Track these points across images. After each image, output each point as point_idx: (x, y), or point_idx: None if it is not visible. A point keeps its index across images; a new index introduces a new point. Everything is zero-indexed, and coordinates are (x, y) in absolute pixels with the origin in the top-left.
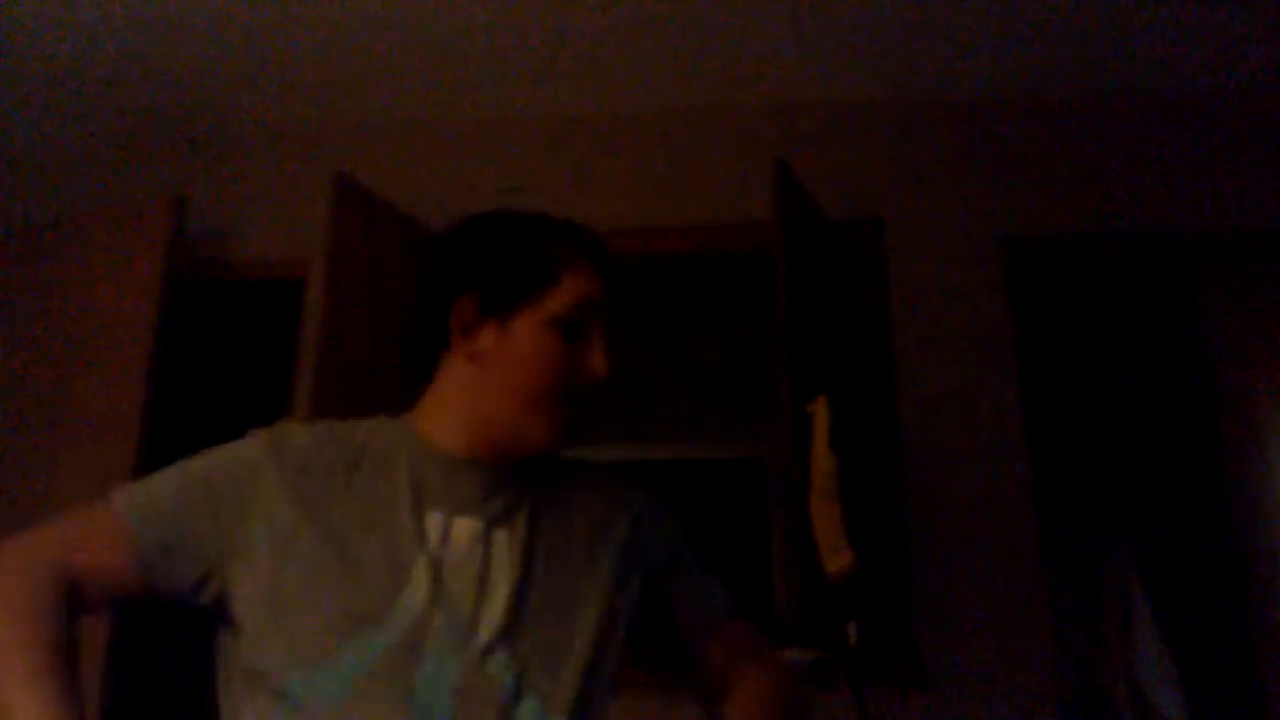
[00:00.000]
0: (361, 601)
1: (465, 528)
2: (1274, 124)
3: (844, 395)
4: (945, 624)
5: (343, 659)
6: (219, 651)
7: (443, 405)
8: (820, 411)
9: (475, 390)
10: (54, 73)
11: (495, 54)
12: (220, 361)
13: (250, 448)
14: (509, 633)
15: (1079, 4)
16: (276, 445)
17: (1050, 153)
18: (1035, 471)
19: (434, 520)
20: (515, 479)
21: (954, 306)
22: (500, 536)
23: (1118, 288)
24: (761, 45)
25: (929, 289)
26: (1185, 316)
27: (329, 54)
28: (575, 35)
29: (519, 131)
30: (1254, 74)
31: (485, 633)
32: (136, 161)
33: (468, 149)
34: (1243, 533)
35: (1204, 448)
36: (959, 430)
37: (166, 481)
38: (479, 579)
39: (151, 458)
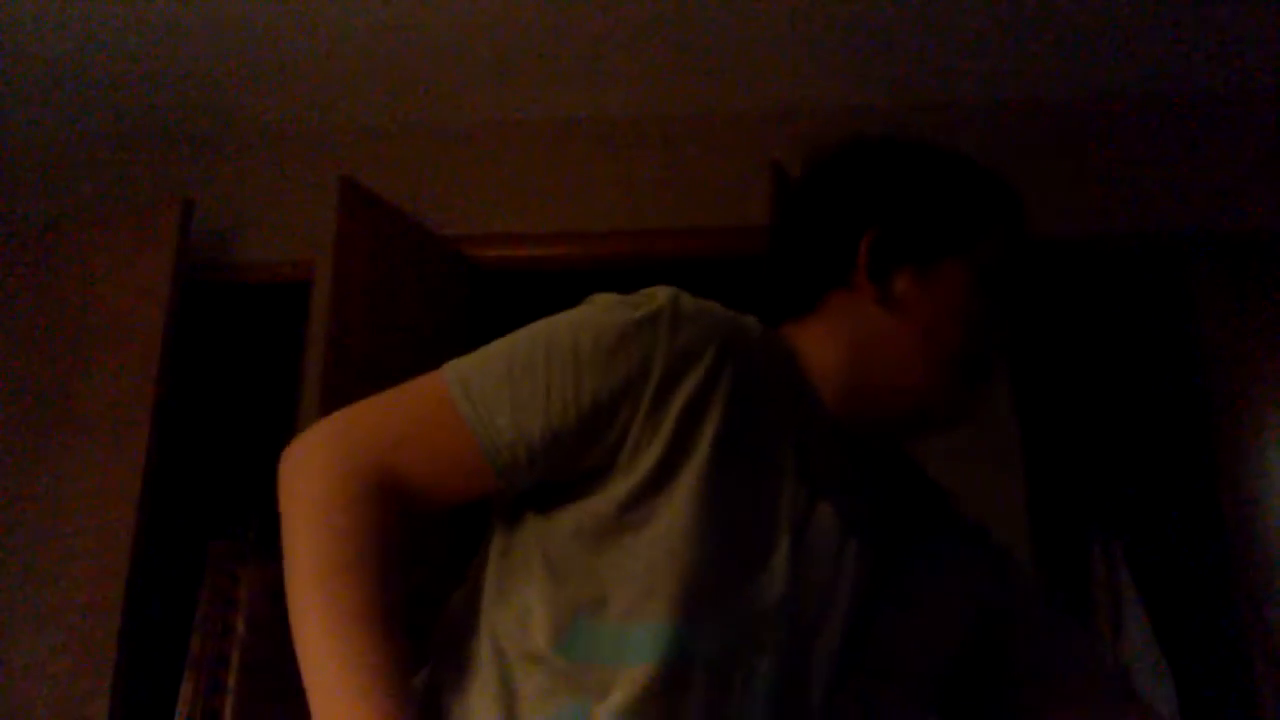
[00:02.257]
0: (725, 564)
1: (828, 517)
2: (1270, 124)
3: None
4: None
5: (684, 621)
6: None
7: (830, 345)
8: None
9: (883, 341)
10: (57, 74)
11: (496, 58)
12: (226, 363)
13: (702, 334)
14: (840, 671)
15: (1074, 6)
16: (728, 344)
17: (1045, 154)
18: (1027, 469)
19: (798, 495)
20: (885, 472)
21: None
22: (851, 548)
23: (1113, 288)
24: (759, 49)
25: None
26: (1180, 316)
27: (331, 57)
28: (575, 39)
29: (519, 134)
30: (1249, 75)
31: (819, 659)
32: (140, 163)
33: (469, 151)
34: (1235, 531)
35: (1197, 446)
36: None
37: (540, 377)
38: (828, 586)
39: (160, 459)
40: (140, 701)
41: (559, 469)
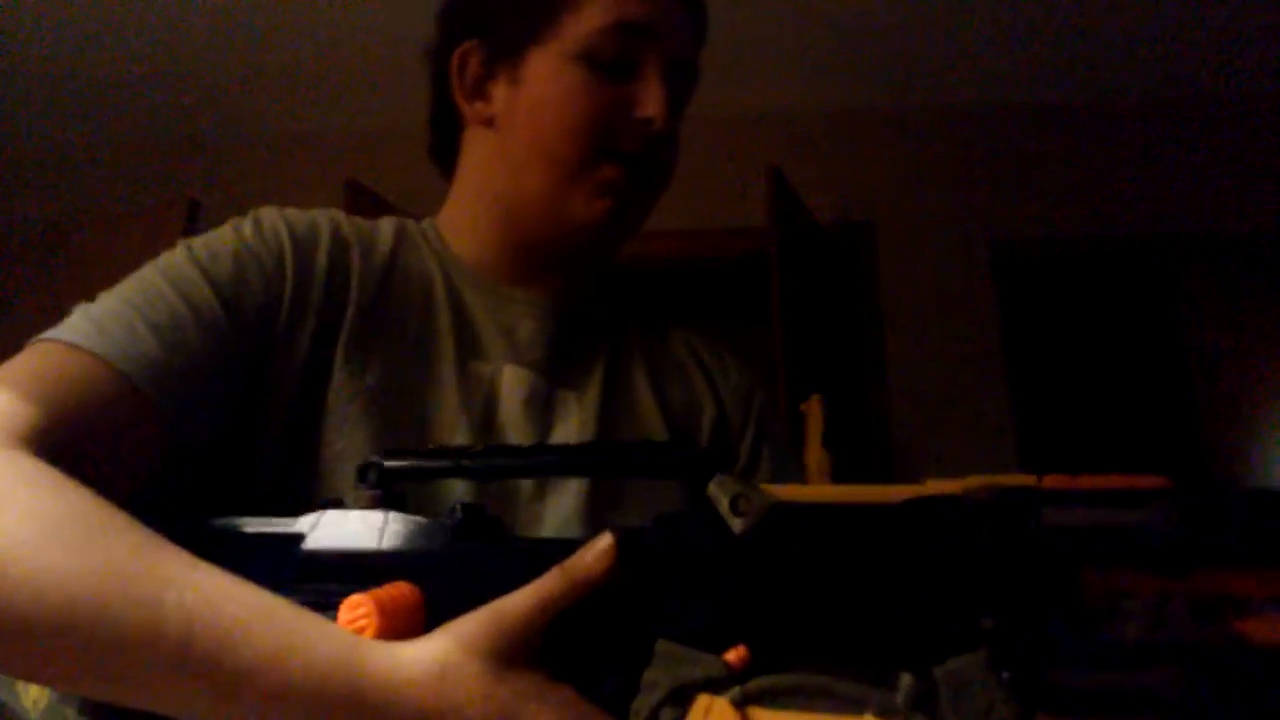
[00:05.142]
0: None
1: (517, 380)
2: (1263, 128)
3: (838, 395)
4: None
5: None
6: None
7: (466, 198)
8: (814, 410)
9: (496, 165)
10: (62, 76)
11: None
12: None
13: (269, 246)
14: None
15: (1072, 10)
16: (300, 246)
17: (1039, 157)
18: (1022, 468)
19: (479, 372)
20: (582, 318)
21: (944, 308)
22: (567, 401)
23: (1105, 289)
24: (758, 51)
25: (920, 291)
26: (1173, 317)
27: (336, 59)
28: None
29: None
30: (1243, 79)
31: (554, 520)
32: (145, 165)
33: None
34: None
35: (1190, 446)
36: (950, 428)
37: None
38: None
39: None
40: None
41: None
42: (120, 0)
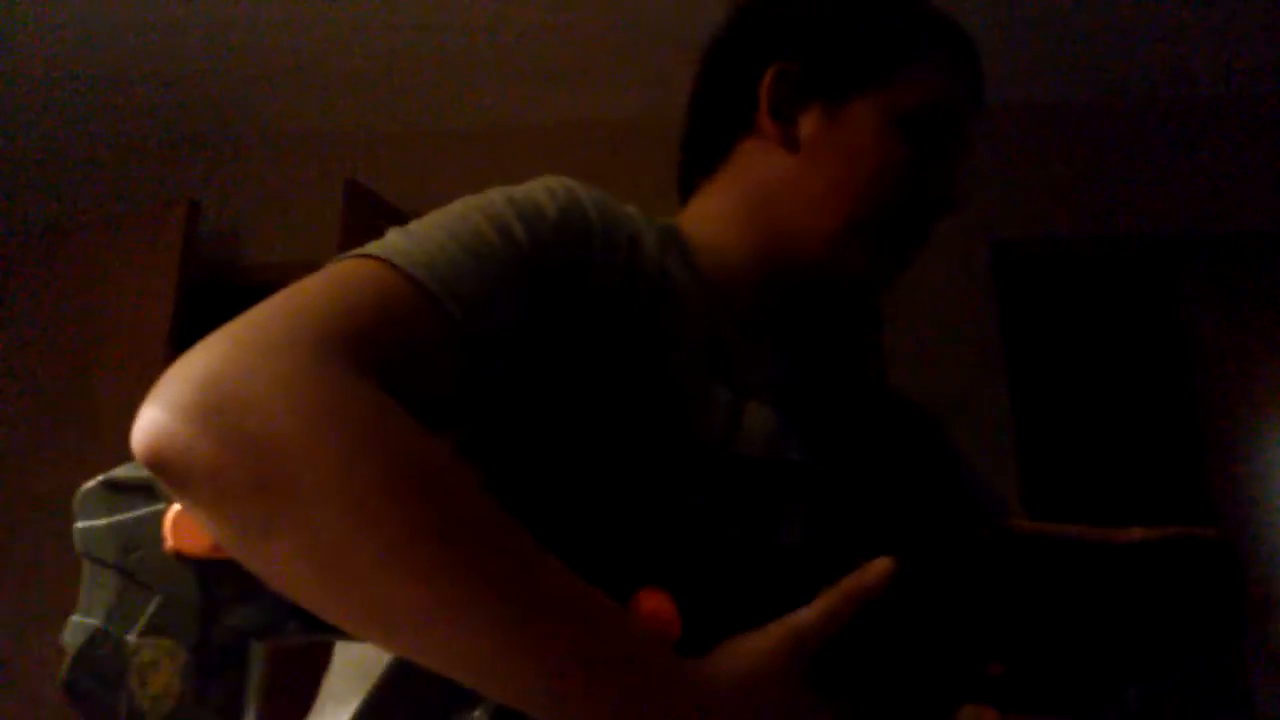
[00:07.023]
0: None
1: (760, 417)
2: (1264, 127)
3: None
4: None
5: None
6: None
7: (731, 209)
8: None
9: (787, 187)
10: (63, 77)
11: (500, 61)
12: None
13: (581, 214)
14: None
15: (1068, 11)
16: (607, 224)
17: (1039, 157)
18: (1021, 468)
19: (720, 397)
20: (820, 363)
21: (945, 309)
22: (795, 442)
23: (1105, 289)
24: None
25: (920, 292)
26: (1174, 317)
27: (336, 60)
28: (578, 42)
29: (523, 137)
30: (1244, 78)
31: None
32: (146, 166)
33: (472, 154)
34: (1229, 531)
35: (1190, 446)
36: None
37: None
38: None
39: None
40: None
41: None
42: (120, 0)
